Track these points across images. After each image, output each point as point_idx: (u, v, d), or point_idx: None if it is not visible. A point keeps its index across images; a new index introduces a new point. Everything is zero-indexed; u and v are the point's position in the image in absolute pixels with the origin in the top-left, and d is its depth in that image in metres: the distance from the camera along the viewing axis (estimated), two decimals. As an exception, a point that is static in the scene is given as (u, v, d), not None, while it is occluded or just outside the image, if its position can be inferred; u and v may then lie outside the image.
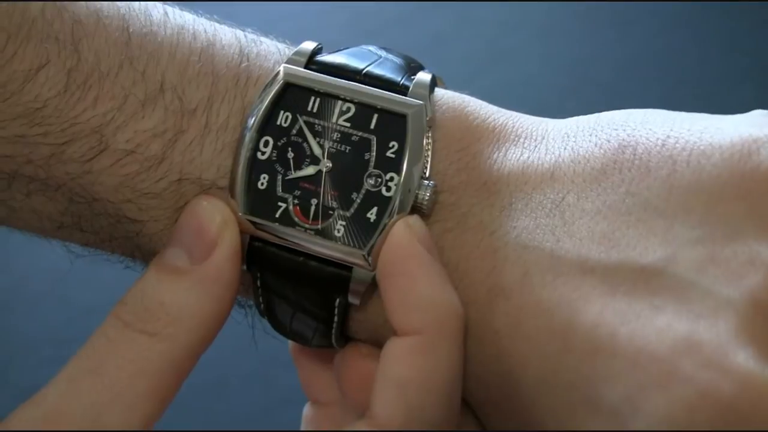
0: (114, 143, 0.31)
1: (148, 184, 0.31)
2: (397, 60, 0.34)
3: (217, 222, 0.31)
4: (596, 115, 0.33)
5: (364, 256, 0.31)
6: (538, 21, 1.02)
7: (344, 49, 0.34)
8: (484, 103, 0.34)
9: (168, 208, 0.32)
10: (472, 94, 0.35)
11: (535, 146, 0.32)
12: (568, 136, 0.32)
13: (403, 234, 0.30)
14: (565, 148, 0.32)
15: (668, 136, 0.30)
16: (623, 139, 0.31)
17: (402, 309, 0.30)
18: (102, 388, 0.30)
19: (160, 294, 0.31)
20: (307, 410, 0.37)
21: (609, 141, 0.31)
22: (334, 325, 0.32)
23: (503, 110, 0.34)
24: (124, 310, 0.31)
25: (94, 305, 0.79)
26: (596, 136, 0.31)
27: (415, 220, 0.31)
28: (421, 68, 0.34)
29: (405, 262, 0.30)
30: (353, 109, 0.32)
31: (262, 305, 0.33)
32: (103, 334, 0.31)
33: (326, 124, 0.32)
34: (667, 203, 0.29)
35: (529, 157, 0.32)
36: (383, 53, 0.34)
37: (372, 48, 0.34)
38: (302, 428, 0.36)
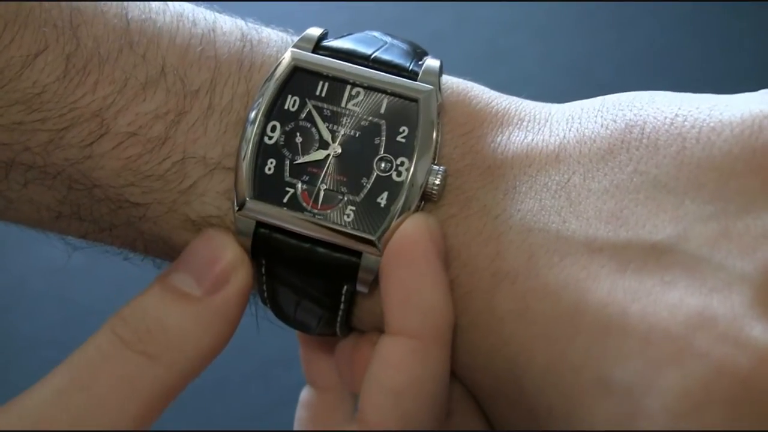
0: (115, 126, 0.30)
1: (150, 165, 0.31)
2: (404, 46, 0.33)
3: (230, 257, 0.31)
4: (601, 97, 0.32)
5: (374, 241, 0.30)
6: (538, 21, 1.02)
7: (349, 34, 0.33)
8: (486, 89, 0.34)
9: (172, 190, 0.31)
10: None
11: (539, 129, 0.32)
12: (572, 118, 0.32)
13: (418, 226, 0.30)
14: (570, 130, 0.31)
15: (677, 115, 0.30)
16: (630, 119, 0.30)
17: (403, 308, 0.30)
18: (90, 405, 0.29)
19: (165, 317, 0.30)
20: (304, 393, 0.36)
21: (615, 121, 0.31)
22: (340, 313, 0.32)
23: (505, 95, 0.34)
24: (123, 327, 0.30)
25: (94, 305, 0.79)
26: (602, 116, 0.31)
27: (432, 218, 0.30)
28: (425, 54, 0.33)
29: (414, 257, 0.29)
30: (363, 94, 0.32)
31: (265, 293, 0.33)
32: (97, 347, 0.30)
33: (335, 108, 0.32)
34: (677, 180, 0.29)
35: (533, 140, 0.31)
36: (389, 39, 0.33)
37: (377, 34, 0.34)
38: (297, 411, 0.36)
